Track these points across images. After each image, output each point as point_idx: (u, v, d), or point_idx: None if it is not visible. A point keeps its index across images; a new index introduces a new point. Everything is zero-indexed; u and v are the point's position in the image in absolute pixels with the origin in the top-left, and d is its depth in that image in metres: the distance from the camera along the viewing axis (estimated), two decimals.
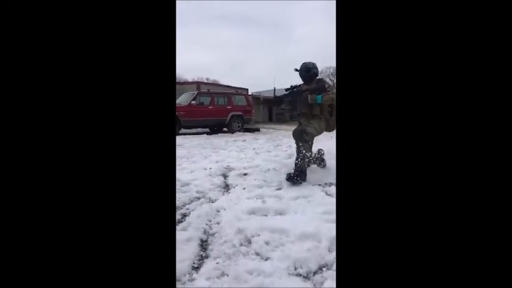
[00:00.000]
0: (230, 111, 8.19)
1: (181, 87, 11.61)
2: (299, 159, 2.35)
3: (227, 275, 1.12)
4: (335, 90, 2.45)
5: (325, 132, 2.67)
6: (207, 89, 9.63)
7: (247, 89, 14.76)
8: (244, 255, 1.24)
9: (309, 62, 2.73)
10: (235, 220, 1.59)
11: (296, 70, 2.69)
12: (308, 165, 2.45)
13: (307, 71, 2.68)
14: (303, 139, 2.38)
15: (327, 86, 2.63)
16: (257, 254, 1.26)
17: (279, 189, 2.21)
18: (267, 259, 1.21)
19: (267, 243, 1.32)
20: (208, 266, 1.19)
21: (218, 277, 1.11)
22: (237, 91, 10.94)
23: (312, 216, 1.60)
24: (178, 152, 4.41)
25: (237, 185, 2.33)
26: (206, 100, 8.16)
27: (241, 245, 1.32)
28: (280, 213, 1.70)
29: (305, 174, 2.35)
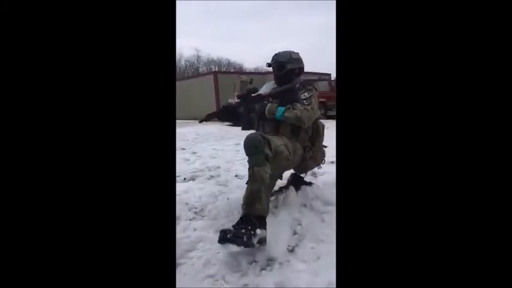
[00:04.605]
0: None
1: (262, 78, 11.88)
2: (247, 199, 1.23)
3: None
4: (313, 101, 1.49)
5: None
6: None
7: (329, 74, 14.11)
8: None
9: (283, 53, 1.62)
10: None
11: (269, 65, 1.65)
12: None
13: (280, 67, 1.59)
14: (261, 156, 1.26)
15: (301, 93, 1.50)
16: None
17: None
18: None
19: None
20: (303, 249, 1.22)
21: (314, 260, 1.13)
22: (319, 77, 10.59)
23: None
24: None
25: (324, 173, 2.29)
26: None
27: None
28: None
29: (262, 223, 1.21)
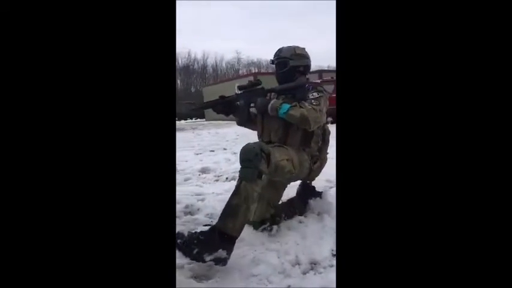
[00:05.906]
0: None
1: None
2: (222, 212, 1.13)
3: None
4: (321, 102, 1.33)
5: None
6: (330, 77, 9.38)
7: None
8: None
9: (287, 48, 1.47)
10: None
11: (272, 62, 1.51)
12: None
13: (282, 63, 1.45)
14: (253, 171, 1.14)
15: (310, 93, 1.34)
16: None
17: None
18: None
19: None
20: None
21: None
22: None
23: None
24: None
25: None
26: (329, 88, 7.99)
27: None
28: None
29: (227, 244, 1.08)
